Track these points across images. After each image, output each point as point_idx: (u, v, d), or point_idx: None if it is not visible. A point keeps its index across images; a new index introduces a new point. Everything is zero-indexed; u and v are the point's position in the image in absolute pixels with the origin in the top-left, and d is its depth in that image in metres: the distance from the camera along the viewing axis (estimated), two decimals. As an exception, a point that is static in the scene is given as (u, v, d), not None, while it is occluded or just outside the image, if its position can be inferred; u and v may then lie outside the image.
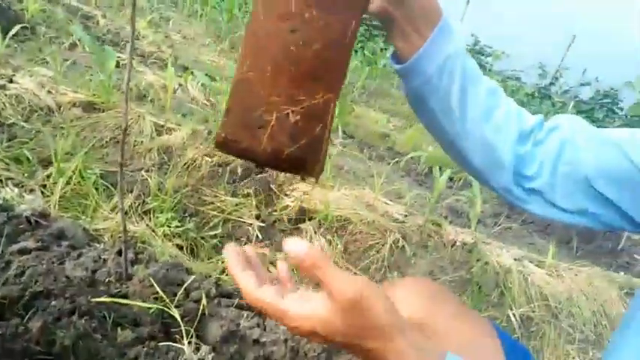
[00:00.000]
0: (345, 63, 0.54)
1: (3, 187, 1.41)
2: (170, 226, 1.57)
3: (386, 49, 6.21)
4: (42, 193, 1.49)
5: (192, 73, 2.64)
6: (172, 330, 1.06)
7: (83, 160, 1.59)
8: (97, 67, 2.20)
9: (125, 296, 1.08)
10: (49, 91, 1.94)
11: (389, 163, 2.71)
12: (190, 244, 1.59)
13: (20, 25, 2.26)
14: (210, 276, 1.26)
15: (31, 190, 1.47)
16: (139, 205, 1.63)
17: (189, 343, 1.03)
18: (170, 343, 1.01)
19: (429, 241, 1.82)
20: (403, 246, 1.75)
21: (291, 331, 0.44)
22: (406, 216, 1.91)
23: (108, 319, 1.00)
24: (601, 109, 7.83)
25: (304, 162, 0.51)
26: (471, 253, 1.81)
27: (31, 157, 1.59)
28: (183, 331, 1.04)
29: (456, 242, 1.84)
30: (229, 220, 1.70)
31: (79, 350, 0.92)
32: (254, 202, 1.77)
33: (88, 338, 0.94)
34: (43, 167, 1.60)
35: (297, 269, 0.43)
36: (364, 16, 0.58)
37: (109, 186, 1.62)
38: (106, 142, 1.83)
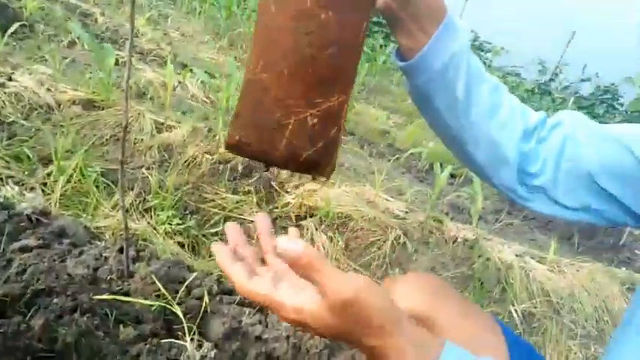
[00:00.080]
0: (357, 64, 0.53)
1: (3, 185, 1.41)
2: (171, 224, 1.56)
3: (385, 45, 6.19)
4: (42, 191, 1.48)
5: (191, 70, 2.63)
6: (174, 327, 1.07)
7: (83, 157, 1.59)
8: (96, 65, 2.20)
9: (127, 294, 1.08)
10: (48, 89, 1.93)
11: (389, 160, 2.71)
12: (192, 242, 1.59)
13: (19, 23, 2.25)
14: (211, 273, 1.26)
15: (32, 188, 1.47)
16: (140, 202, 1.63)
17: (192, 340, 1.03)
18: (172, 340, 1.01)
19: (431, 238, 1.82)
20: (404, 242, 1.75)
21: (284, 320, 0.44)
22: (407, 212, 1.91)
23: (110, 316, 1.00)
24: (601, 105, 7.84)
25: (319, 164, 0.51)
26: (473, 250, 1.81)
27: (31, 155, 1.58)
28: (186, 328, 1.04)
29: (457, 238, 1.84)
30: (230, 218, 1.69)
31: (81, 348, 0.92)
32: (255, 200, 1.77)
33: (90, 336, 0.94)
34: (44, 165, 1.59)
35: (293, 267, 0.43)
36: None
37: (110, 184, 1.62)
38: (106, 139, 1.83)
